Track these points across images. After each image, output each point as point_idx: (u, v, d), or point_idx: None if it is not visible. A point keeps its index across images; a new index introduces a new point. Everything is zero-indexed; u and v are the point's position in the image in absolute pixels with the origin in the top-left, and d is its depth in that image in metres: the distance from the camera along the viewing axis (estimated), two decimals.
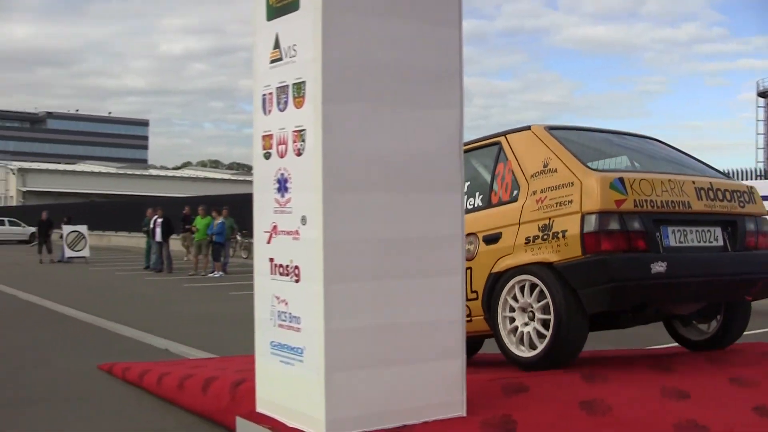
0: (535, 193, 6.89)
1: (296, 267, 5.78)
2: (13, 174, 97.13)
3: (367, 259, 5.68)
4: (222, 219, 28.32)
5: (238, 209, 34.05)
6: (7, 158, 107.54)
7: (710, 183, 6.98)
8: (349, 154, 5.60)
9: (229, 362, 10.39)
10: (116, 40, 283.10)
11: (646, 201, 6.48)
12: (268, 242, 6.10)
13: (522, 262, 6.83)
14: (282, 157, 5.92)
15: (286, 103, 5.87)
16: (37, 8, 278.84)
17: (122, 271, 30.82)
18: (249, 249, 36.45)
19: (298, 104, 5.73)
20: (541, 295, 6.73)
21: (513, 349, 7.02)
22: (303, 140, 5.67)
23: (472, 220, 7.04)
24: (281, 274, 5.95)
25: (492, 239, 7.14)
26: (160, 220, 29.85)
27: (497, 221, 7.15)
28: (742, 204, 7.08)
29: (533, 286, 6.79)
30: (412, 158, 5.88)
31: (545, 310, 6.71)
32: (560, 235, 6.52)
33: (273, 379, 6.19)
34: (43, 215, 38.07)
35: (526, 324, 6.91)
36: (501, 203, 7.31)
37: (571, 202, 6.52)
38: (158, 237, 30.02)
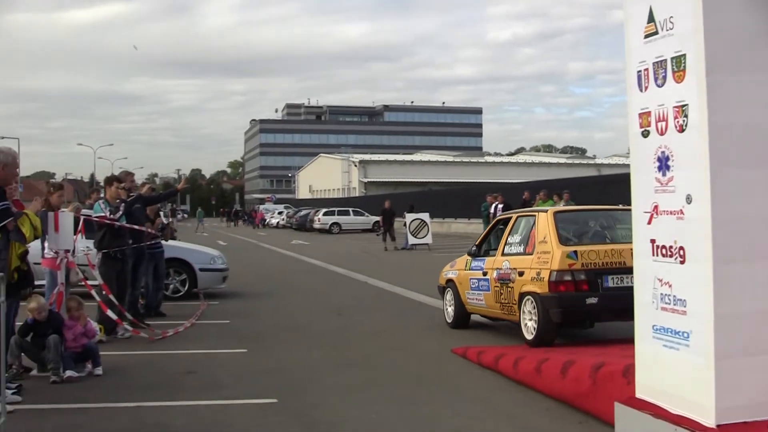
0: (538, 252, 11.29)
1: (681, 248, 5.55)
2: (355, 166, 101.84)
3: (758, 239, 5.35)
4: (562, 203, 28.12)
5: (576, 192, 33.73)
6: (349, 151, 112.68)
7: None
8: (737, 128, 5.29)
9: (583, 346, 10.29)
10: (444, 32, 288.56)
11: (590, 263, 10.81)
12: (649, 223, 5.90)
13: (528, 290, 11.27)
14: (662, 134, 5.70)
15: (664, 78, 5.64)
16: (368, 7, 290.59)
17: None
18: None
19: (679, 78, 5.48)
20: (535, 308, 11.10)
21: (525, 333, 11.35)
22: (685, 115, 5.43)
23: (515, 261, 11.83)
24: (664, 255, 5.73)
25: (521, 273, 11.54)
26: (500, 206, 30.08)
27: (524, 264, 11.52)
28: None
29: (533, 303, 11.14)
30: None
31: (536, 316, 11.14)
32: (542, 279, 10.96)
33: (655, 364, 5.97)
34: (386, 204, 39.29)
35: (530, 320, 11.26)
36: (527, 254, 11.64)
37: (548, 262, 10.98)
38: None
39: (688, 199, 5.44)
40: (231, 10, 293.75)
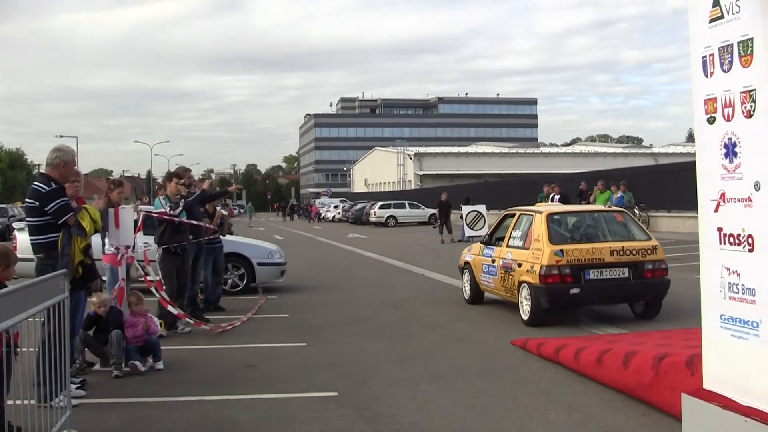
0: (533, 249, 13.15)
1: (749, 236, 5.40)
2: (410, 159, 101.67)
3: None
4: (620, 193, 27.90)
5: (633, 182, 33.37)
6: (404, 144, 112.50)
7: (623, 246, 13.02)
8: None
9: (644, 337, 10.14)
10: (496, 22, 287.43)
11: (574, 259, 12.74)
12: (716, 211, 5.75)
13: (524, 279, 13.20)
14: (728, 120, 5.55)
15: (730, 63, 5.50)
16: None
17: None
18: (647, 222, 35.65)
19: (746, 63, 5.33)
20: (529, 295, 13.02)
21: (522, 314, 13.26)
22: (753, 101, 5.28)
23: (516, 253, 13.74)
24: (731, 243, 5.59)
25: (519, 265, 13.45)
26: (557, 197, 29.83)
27: (522, 257, 13.44)
28: (644, 255, 13.06)
29: (527, 290, 13.09)
30: None
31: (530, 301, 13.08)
32: (535, 272, 12.83)
33: (723, 355, 5.81)
34: (443, 196, 39.25)
35: (525, 303, 13.19)
36: (524, 248, 13.51)
37: (539, 258, 12.85)
38: None
39: (757, 186, 5.30)
40: (284, 5, 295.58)
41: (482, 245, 15.61)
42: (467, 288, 16.19)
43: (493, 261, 14.65)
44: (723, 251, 5.70)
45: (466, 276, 16.25)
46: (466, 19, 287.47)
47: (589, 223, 14.12)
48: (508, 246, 14.25)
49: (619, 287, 12.98)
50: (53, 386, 7.01)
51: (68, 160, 8.98)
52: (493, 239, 15.33)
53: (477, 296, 15.87)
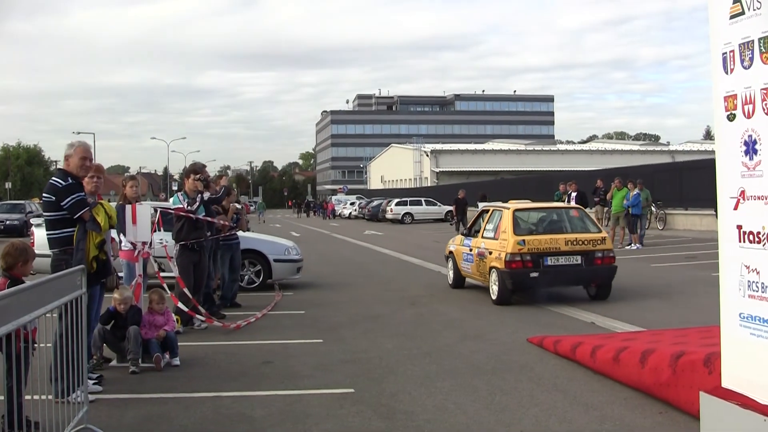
0: (501, 239, 15.26)
1: None
2: (427, 156, 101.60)
3: None
4: (637, 191, 27.76)
5: (650, 180, 33.23)
6: (420, 141, 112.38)
7: (576, 237, 15.12)
8: None
9: (661, 335, 10.09)
10: (512, 19, 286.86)
11: (534, 248, 14.82)
12: (735, 208, 5.69)
13: (494, 265, 15.29)
14: (749, 117, 5.49)
15: (751, 59, 5.43)
16: None
17: None
18: (664, 220, 35.53)
19: (767, 60, 5.28)
20: (497, 278, 15.13)
21: (491, 295, 15.36)
22: None
23: (488, 243, 15.89)
24: (751, 241, 5.53)
25: (490, 252, 15.54)
26: (574, 194, 29.77)
27: (493, 246, 15.56)
28: (594, 245, 15.13)
29: (496, 274, 15.18)
30: None
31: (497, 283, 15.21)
32: (501, 259, 14.93)
33: (742, 353, 5.76)
34: (460, 194, 39.28)
35: (494, 285, 15.26)
36: (494, 238, 15.64)
37: (505, 246, 14.93)
38: None
39: None
40: (301, 2, 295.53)
41: (462, 237, 18.03)
42: (451, 274, 18.53)
43: (471, 250, 16.89)
44: (742, 249, 5.65)
45: (450, 264, 18.54)
46: (482, 16, 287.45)
47: (550, 217, 16.36)
48: (482, 237, 16.47)
49: (573, 272, 15.18)
50: (70, 382, 7.02)
51: (71, 154, 8.89)
52: (472, 231, 17.42)
53: (458, 281, 18.22)
